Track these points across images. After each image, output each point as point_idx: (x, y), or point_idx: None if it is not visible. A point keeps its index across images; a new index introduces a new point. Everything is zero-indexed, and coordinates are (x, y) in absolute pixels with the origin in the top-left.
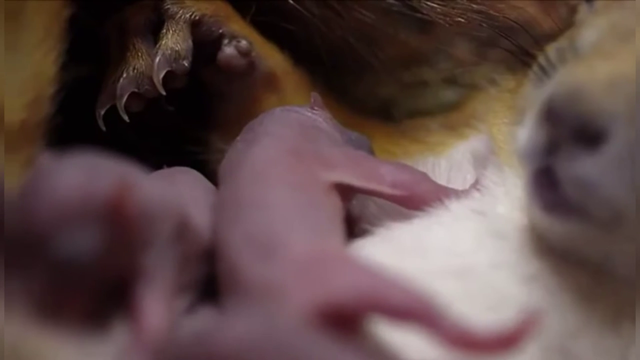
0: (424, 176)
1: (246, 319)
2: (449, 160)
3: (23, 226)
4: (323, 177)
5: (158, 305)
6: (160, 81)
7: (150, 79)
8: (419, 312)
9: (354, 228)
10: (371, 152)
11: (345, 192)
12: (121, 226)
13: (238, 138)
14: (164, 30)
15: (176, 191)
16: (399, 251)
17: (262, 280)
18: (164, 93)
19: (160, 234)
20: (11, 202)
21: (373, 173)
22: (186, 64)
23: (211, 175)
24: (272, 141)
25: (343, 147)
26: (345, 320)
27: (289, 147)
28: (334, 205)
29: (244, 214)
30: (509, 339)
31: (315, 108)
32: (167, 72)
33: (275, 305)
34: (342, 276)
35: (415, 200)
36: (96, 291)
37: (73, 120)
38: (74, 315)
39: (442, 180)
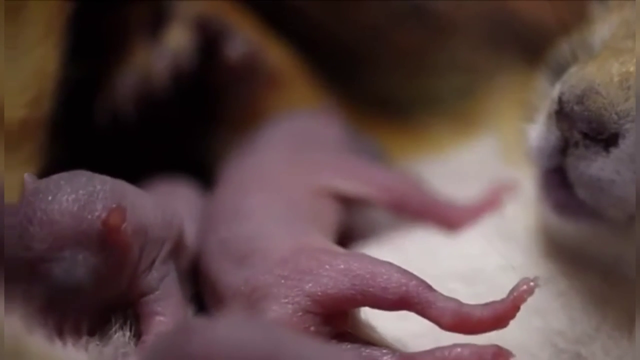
0: (419, 186)
1: (225, 321)
2: (457, 160)
3: (17, 250)
4: (310, 182)
5: (174, 317)
6: (162, 79)
7: (152, 76)
8: (409, 299)
9: (357, 238)
10: (382, 157)
11: (341, 199)
12: (116, 250)
13: (237, 148)
14: (166, 28)
15: (173, 209)
16: (405, 256)
17: (241, 284)
18: (165, 91)
19: (160, 253)
20: (10, 220)
21: (366, 179)
22: (188, 62)
23: (211, 176)
24: (266, 153)
25: (341, 154)
26: (332, 314)
27: (283, 158)
28: (320, 209)
29: (219, 222)
30: (503, 315)
31: (324, 113)
32: (169, 71)
33: (258, 307)
34: (325, 271)
35: (406, 209)
36: (94, 311)
37: (74, 118)
38: (73, 331)
39: (448, 181)
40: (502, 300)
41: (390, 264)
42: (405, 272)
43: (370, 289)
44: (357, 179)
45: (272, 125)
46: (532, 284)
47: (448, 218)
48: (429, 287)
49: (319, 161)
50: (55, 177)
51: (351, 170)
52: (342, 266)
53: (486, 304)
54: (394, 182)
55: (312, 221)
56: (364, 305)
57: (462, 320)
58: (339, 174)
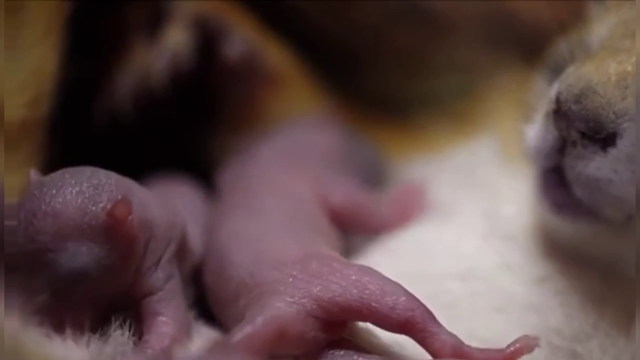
0: (373, 205)
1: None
2: (455, 160)
3: (22, 243)
4: (312, 192)
5: (176, 320)
6: (161, 79)
7: (151, 77)
8: (414, 324)
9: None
10: (381, 161)
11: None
12: (121, 242)
13: (241, 151)
14: (165, 28)
15: (177, 210)
16: (403, 256)
17: (246, 277)
18: (164, 91)
19: (166, 252)
20: (11, 216)
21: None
22: (187, 62)
23: (210, 176)
24: (268, 163)
25: (320, 168)
26: (333, 322)
27: (285, 170)
28: (326, 225)
29: (231, 216)
30: None
31: (323, 120)
32: (168, 71)
33: (259, 302)
34: (336, 278)
35: (355, 227)
36: (97, 306)
37: (73, 117)
38: (75, 326)
39: (446, 181)
40: (500, 350)
41: (400, 285)
42: (414, 298)
43: (377, 306)
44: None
45: (271, 135)
46: (532, 342)
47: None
48: (434, 318)
49: (310, 171)
50: (59, 171)
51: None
52: (353, 277)
53: (485, 349)
54: (354, 199)
55: (322, 233)
56: (367, 320)
57: (460, 357)
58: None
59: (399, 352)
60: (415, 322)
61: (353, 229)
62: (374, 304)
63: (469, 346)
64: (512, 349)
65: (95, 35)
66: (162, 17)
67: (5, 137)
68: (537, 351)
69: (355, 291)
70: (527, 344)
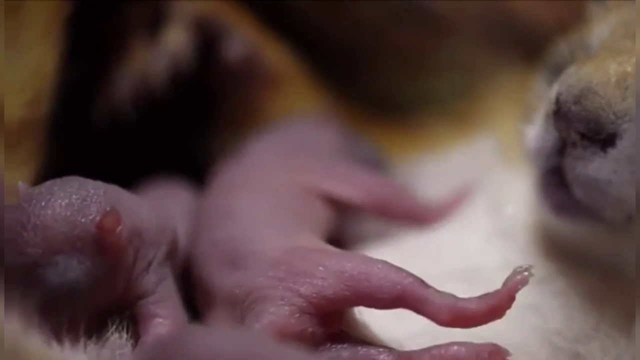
0: (401, 191)
1: (220, 331)
2: (455, 160)
3: (14, 254)
4: (297, 181)
5: (173, 320)
6: (160, 80)
7: (150, 77)
8: (405, 297)
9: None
10: (381, 161)
11: (329, 201)
12: (111, 253)
13: (231, 156)
14: (165, 29)
15: (168, 213)
16: (403, 256)
17: (235, 287)
18: (164, 92)
19: (157, 256)
20: (10, 220)
21: (349, 182)
22: (186, 63)
23: (209, 177)
24: (255, 158)
25: (330, 158)
26: (328, 315)
27: (271, 162)
28: (308, 207)
29: (209, 224)
30: (498, 306)
31: (322, 120)
32: (167, 71)
33: (254, 310)
34: (319, 272)
35: (386, 212)
36: (91, 313)
37: (73, 118)
38: (71, 332)
39: (445, 180)
40: (497, 291)
41: (384, 262)
42: (399, 270)
43: (365, 289)
44: (341, 181)
45: (266, 133)
46: (525, 273)
47: (424, 219)
48: (424, 284)
49: (306, 164)
50: (48, 183)
51: (336, 173)
52: (335, 267)
53: (481, 296)
54: (377, 186)
55: (301, 219)
56: (360, 304)
57: (458, 314)
58: (325, 176)
59: (397, 346)
60: (406, 295)
61: (389, 220)
62: (361, 288)
63: (465, 301)
64: (508, 285)
65: (95, 35)
66: (161, 17)
67: (5, 137)
68: (539, 353)
69: (340, 281)
70: (522, 278)
